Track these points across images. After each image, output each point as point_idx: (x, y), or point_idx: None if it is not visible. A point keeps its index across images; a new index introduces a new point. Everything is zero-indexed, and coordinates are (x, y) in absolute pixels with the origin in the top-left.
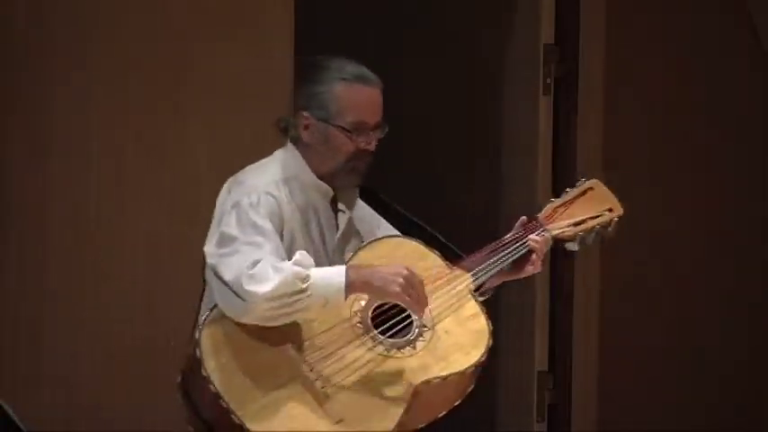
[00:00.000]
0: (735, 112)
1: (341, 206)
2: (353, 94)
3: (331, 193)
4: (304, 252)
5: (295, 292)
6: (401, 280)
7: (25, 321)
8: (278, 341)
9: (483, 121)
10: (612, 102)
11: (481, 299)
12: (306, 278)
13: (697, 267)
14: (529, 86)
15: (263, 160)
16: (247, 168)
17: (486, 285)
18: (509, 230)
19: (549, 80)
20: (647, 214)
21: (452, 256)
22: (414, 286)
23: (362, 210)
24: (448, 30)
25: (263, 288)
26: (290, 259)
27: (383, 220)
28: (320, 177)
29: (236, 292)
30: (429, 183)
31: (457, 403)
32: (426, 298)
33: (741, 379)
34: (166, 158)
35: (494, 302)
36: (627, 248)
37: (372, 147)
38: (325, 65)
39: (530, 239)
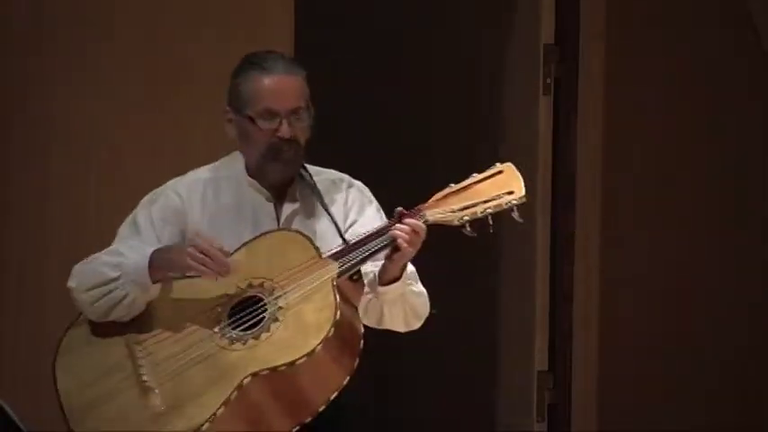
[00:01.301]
0: (735, 112)
1: (287, 200)
2: (258, 82)
3: (265, 190)
4: (133, 242)
5: (107, 280)
6: (190, 250)
7: (25, 321)
8: (126, 336)
9: (483, 121)
10: (612, 102)
11: (387, 288)
12: (117, 265)
13: (697, 267)
14: (529, 86)
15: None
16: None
17: (385, 273)
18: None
19: (549, 80)
20: (647, 214)
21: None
22: (204, 251)
23: (312, 205)
24: (448, 30)
25: (74, 283)
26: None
27: (326, 217)
28: (253, 173)
29: None
30: (429, 182)
31: (330, 396)
32: (223, 263)
33: (741, 379)
34: (166, 158)
35: (494, 302)
36: (627, 248)
37: (288, 134)
38: (246, 59)
39: (392, 229)
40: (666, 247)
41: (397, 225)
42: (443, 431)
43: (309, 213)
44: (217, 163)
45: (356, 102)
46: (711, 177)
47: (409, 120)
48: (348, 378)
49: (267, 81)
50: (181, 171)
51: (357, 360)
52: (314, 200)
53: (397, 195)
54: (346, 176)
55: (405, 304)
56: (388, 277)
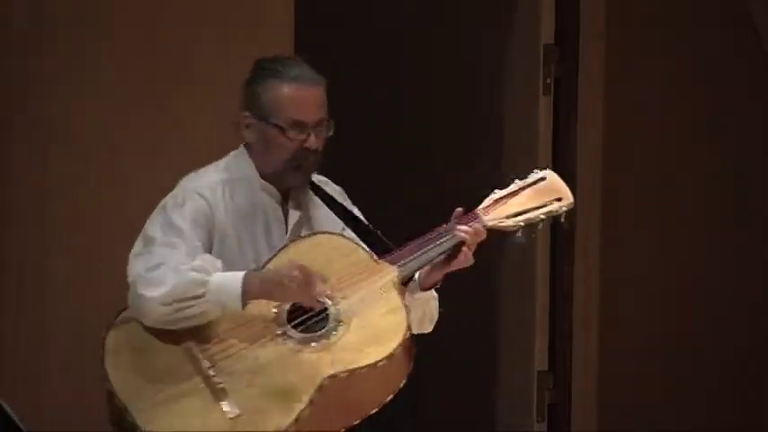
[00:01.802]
0: (735, 112)
1: (291, 206)
2: (288, 92)
3: (277, 193)
4: (208, 256)
5: (190, 297)
6: (295, 283)
7: (25, 321)
8: (185, 339)
9: (483, 121)
10: (612, 102)
11: (423, 293)
12: (203, 284)
13: (697, 267)
14: (529, 86)
15: (213, 163)
16: (194, 172)
17: (429, 278)
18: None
19: (549, 80)
20: (647, 214)
21: (385, 249)
22: (310, 283)
23: (320, 210)
24: (448, 30)
25: (156, 292)
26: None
27: (340, 222)
28: (266, 177)
29: (134, 293)
30: (429, 183)
31: (388, 398)
32: (322, 292)
33: (741, 379)
34: (166, 158)
35: (494, 302)
36: (627, 248)
37: (314, 145)
38: (265, 65)
39: (457, 230)
40: (666, 247)
41: (463, 227)
42: (443, 431)
43: (317, 216)
44: (224, 163)
45: (356, 102)
46: (711, 177)
47: (409, 120)
48: (405, 380)
49: (292, 91)
50: (181, 171)
51: (412, 363)
52: (315, 202)
53: (398, 195)
54: (329, 179)
55: (425, 308)
56: (430, 282)
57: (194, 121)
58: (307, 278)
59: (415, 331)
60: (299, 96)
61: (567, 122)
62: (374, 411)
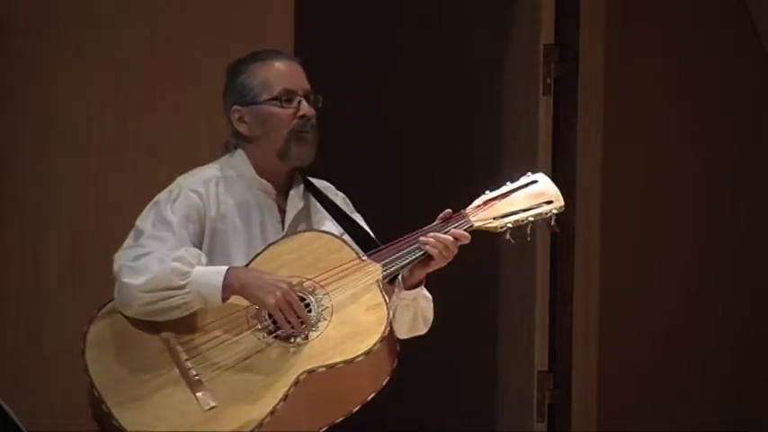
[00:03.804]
0: (735, 112)
1: (289, 204)
2: (273, 67)
3: (273, 190)
4: (193, 249)
5: (172, 287)
6: (278, 293)
7: (25, 321)
8: (165, 332)
9: (483, 121)
10: (612, 102)
11: (408, 292)
12: (185, 275)
13: (697, 268)
14: (529, 86)
15: (209, 163)
16: (191, 170)
17: (411, 277)
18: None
19: (549, 80)
20: (647, 214)
21: (375, 247)
22: (290, 302)
23: (320, 213)
24: (448, 30)
25: (139, 280)
26: (213, 257)
27: (328, 219)
28: (264, 173)
29: (118, 282)
30: (429, 183)
31: (371, 395)
32: (299, 318)
33: (741, 379)
34: (166, 158)
35: (494, 302)
36: (627, 248)
37: (309, 112)
38: (242, 60)
39: (423, 240)
40: (667, 246)
41: (429, 235)
42: (443, 430)
43: (314, 215)
44: (220, 162)
45: (356, 102)
46: (711, 177)
47: (409, 120)
48: (388, 378)
49: (277, 65)
50: (180, 171)
51: (396, 361)
52: (314, 202)
53: (397, 195)
54: (331, 185)
55: (417, 309)
56: (413, 281)
57: (194, 121)
58: (288, 297)
59: (407, 334)
60: (284, 67)
61: (567, 122)
62: (356, 408)
